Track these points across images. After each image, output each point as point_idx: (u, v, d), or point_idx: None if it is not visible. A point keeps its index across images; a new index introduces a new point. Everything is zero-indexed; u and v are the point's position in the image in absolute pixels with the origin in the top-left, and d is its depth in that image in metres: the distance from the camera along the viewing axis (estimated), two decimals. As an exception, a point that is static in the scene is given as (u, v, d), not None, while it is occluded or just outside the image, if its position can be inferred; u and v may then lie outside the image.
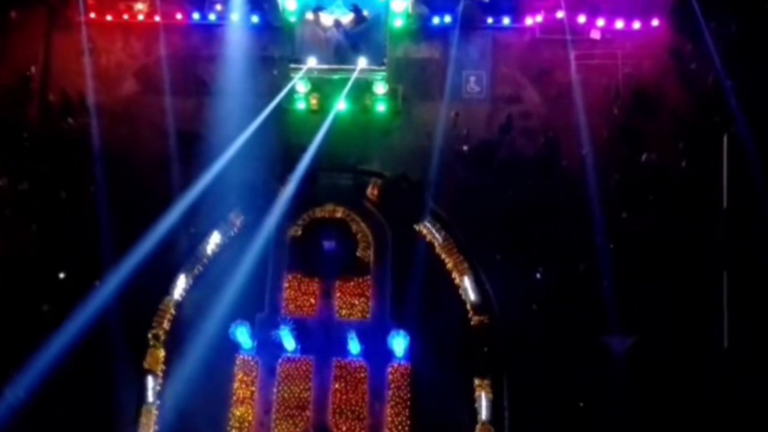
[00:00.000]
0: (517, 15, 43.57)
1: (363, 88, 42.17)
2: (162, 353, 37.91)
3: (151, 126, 42.13)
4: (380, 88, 42.16)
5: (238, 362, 38.12)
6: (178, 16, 44.11)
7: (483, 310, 38.47)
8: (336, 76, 41.45)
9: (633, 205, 39.74)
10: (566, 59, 42.80)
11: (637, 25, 42.91)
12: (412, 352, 37.73)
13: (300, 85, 42.15)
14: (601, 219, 38.71)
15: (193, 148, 40.57)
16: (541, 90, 42.83)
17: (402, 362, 37.82)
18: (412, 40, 43.83)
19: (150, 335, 38.08)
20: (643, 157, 40.80)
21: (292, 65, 41.02)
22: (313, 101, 42.59)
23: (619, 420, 35.81)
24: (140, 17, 43.97)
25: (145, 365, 37.57)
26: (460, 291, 38.93)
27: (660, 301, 37.96)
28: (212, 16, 44.11)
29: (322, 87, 42.49)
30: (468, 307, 38.60)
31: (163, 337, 38.18)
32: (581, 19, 42.89)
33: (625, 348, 36.86)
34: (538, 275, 38.80)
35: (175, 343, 38.15)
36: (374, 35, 41.15)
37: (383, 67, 40.83)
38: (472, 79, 43.33)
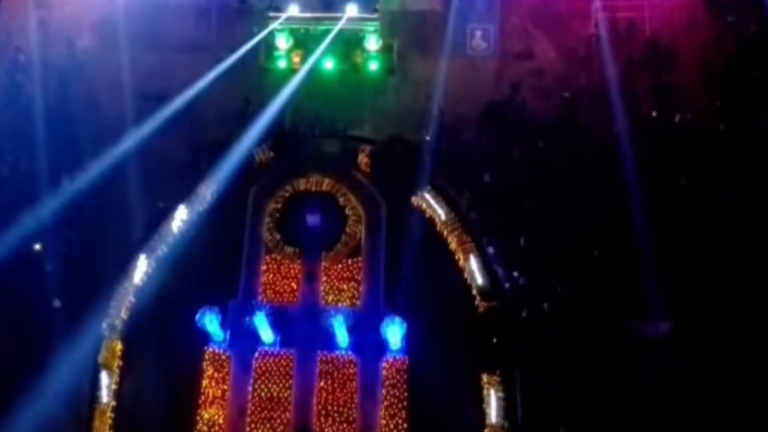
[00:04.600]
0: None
1: (353, 43, 41.02)
2: (119, 346, 35.45)
3: (110, 86, 40.22)
4: (372, 43, 40.69)
5: (207, 356, 35.81)
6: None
7: (492, 295, 36.31)
8: (321, 28, 40.43)
9: (665, 173, 37.67)
10: (586, 10, 41.14)
11: (666, -29, 41.83)
12: (409, 343, 35.61)
13: (281, 39, 40.85)
14: (632, 190, 36.53)
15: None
16: (557, 45, 41.21)
17: (398, 355, 35.70)
18: (410, -13, 43.31)
19: (105, 325, 35.52)
20: (676, 118, 38.94)
21: (271, 13, 40.16)
22: (296, 59, 41.24)
23: (655, 418, 33.21)
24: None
25: (100, 360, 35.17)
26: (466, 274, 36.84)
27: (699, 280, 35.41)
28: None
29: (306, 42, 41.31)
30: (474, 292, 36.51)
31: (120, 328, 35.70)
32: (604, -36, 41.65)
33: (660, 335, 34.47)
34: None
35: (135, 334, 35.74)
36: (365, -22, 40.80)
37: (375, 15, 39.80)
38: (478, 33, 41.64)
